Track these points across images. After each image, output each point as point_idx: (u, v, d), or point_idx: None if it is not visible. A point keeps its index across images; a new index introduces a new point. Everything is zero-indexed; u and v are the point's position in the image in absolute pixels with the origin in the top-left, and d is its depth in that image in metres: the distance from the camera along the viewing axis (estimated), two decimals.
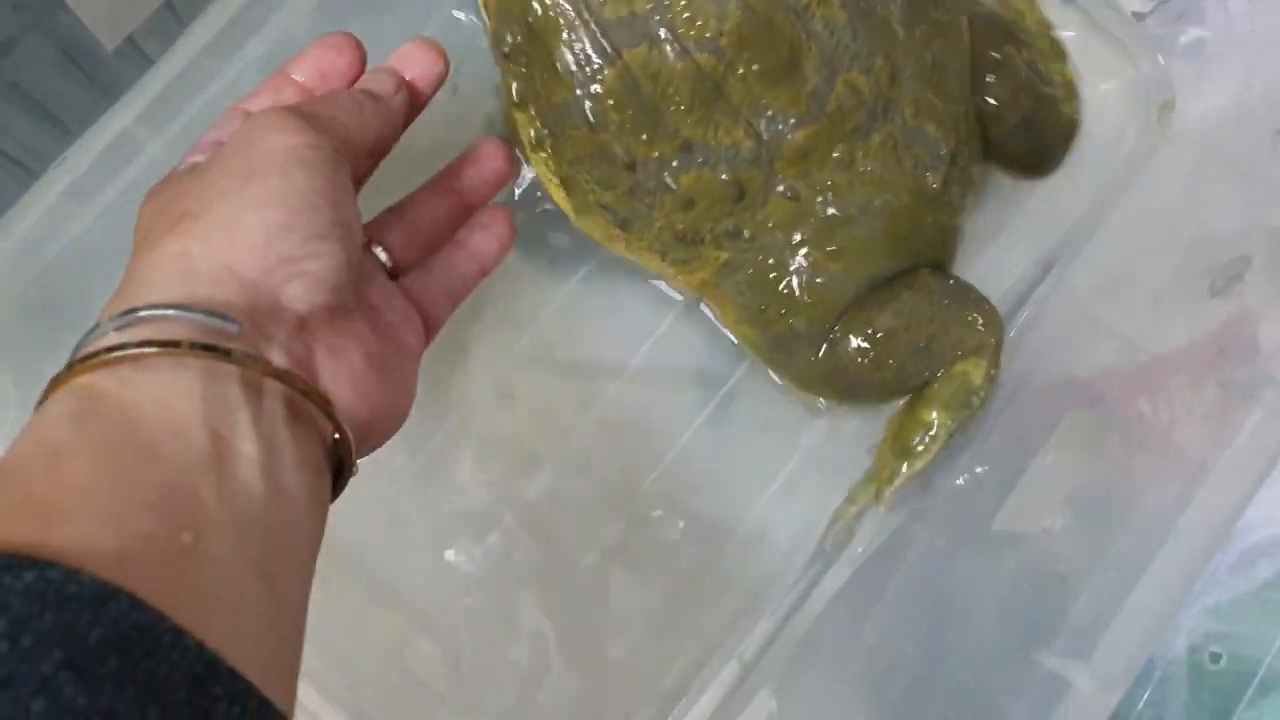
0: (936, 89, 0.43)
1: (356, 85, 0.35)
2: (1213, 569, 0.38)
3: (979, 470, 0.43)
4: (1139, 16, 0.49)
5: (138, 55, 0.44)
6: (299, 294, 0.28)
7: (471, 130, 0.46)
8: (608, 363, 0.46)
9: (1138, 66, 0.48)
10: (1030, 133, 0.47)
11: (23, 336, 0.44)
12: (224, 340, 0.26)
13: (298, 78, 0.35)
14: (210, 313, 0.26)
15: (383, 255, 0.36)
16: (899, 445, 0.44)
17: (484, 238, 0.39)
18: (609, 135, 0.39)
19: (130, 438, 0.24)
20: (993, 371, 0.43)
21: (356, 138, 0.32)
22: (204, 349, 0.25)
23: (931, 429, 0.43)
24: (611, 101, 0.38)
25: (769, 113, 0.40)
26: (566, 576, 0.44)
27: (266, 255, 0.28)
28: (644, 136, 0.39)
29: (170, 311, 0.26)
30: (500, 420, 0.45)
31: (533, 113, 0.40)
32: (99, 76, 0.44)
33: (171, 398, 0.25)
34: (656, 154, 0.39)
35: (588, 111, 0.39)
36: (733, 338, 0.45)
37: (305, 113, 0.31)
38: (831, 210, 0.42)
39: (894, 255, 0.44)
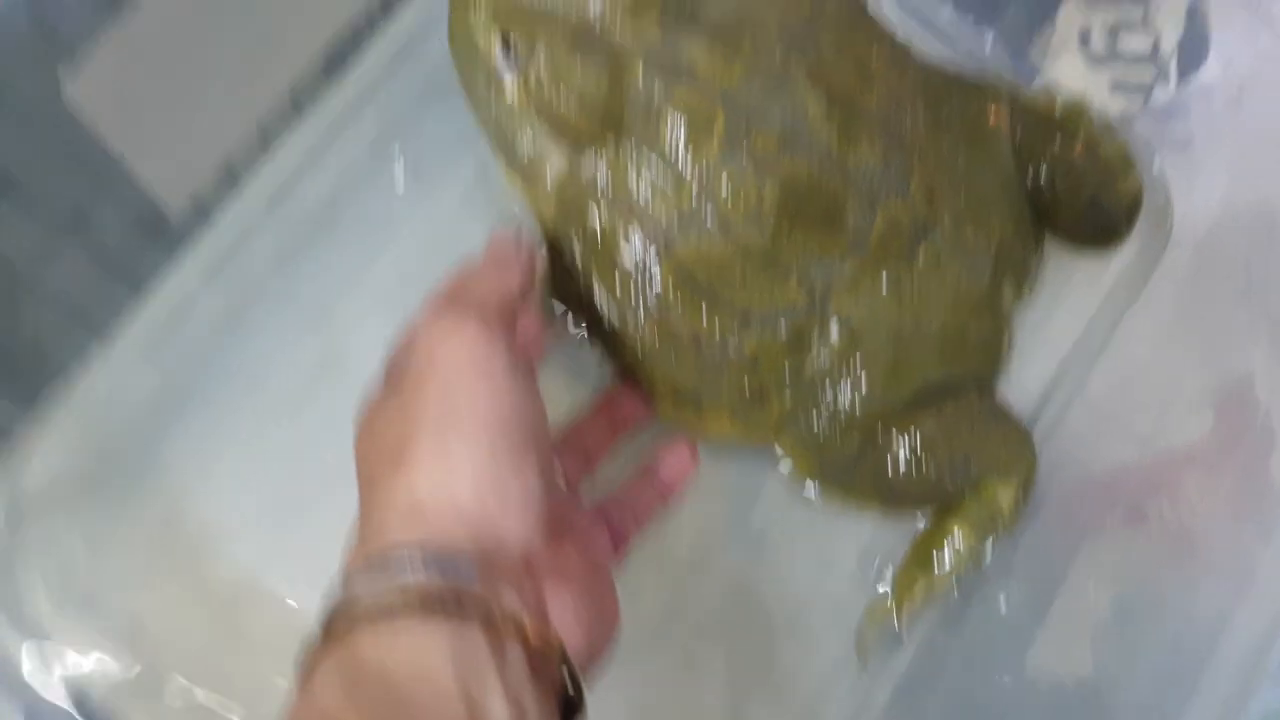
0: (972, 195, 0.45)
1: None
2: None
3: (1007, 593, 0.45)
4: (1128, 119, 0.52)
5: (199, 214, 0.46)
6: (515, 521, 0.30)
7: None
8: None
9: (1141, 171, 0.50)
10: (1097, 210, 0.49)
11: (89, 491, 0.45)
12: (466, 585, 0.28)
13: None
14: (450, 562, 0.28)
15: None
16: (920, 557, 0.45)
17: (671, 469, 0.43)
18: (673, 321, 0.41)
19: (398, 709, 0.25)
20: (1021, 498, 0.45)
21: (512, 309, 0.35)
22: (455, 605, 0.27)
23: (956, 545, 0.45)
24: (673, 293, 0.41)
25: (816, 261, 0.42)
26: None
27: (478, 484, 0.30)
28: (705, 315, 0.41)
29: (412, 559, 0.28)
30: None
31: (590, 314, 0.42)
32: (164, 237, 0.45)
33: (427, 660, 0.26)
34: (719, 327, 0.41)
35: (650, 304, 0.41)
36: (786, 462, 0.46)
37: (474, 304, 0.34)
38: (884, 333, 0.44)
39: (945, 364, 0.45)
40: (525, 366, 0.33)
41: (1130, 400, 0.48)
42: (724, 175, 0.40)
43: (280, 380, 0.46)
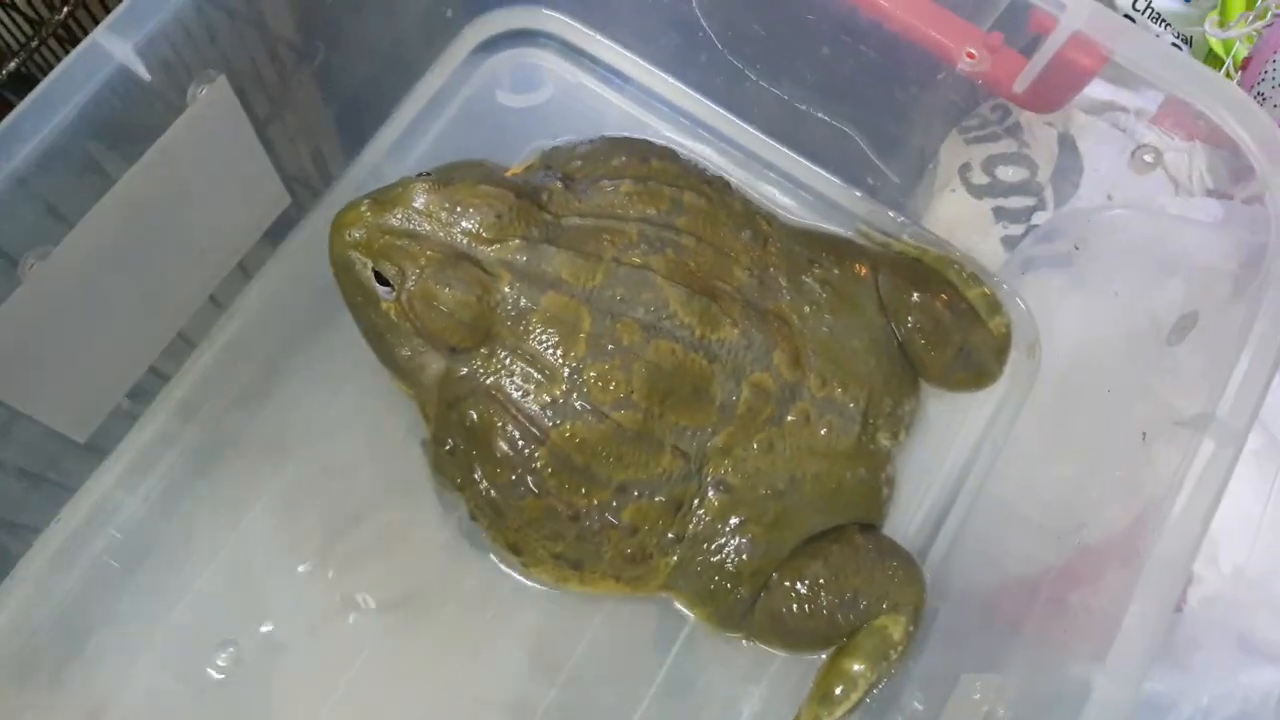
0: (838, 355, 0.48)
1: None
2: None
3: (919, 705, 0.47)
4: (1011, 241, 0.55)
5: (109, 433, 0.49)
6: None
7: None
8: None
9: (1008, 312, 0.54)
10: (967, 356, 0.52)
11: (16, 696, 0.46)
12: None
13: None
14: None
15: None
16: (821, 693, 0.47)
17: None
18: (551, 498, 0.43)
19: None
20: (911, 628, 0.47)
21: None
22: None
23: (852, 679, 0.47)
24: (550, 472, 0.43)
25: (688, 432, 0.45)
26: None
27: None
28: (583, 492, 0.44)
29: None
30: None
31: (473, 494, 0.45)
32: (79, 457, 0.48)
33: None
34: (597, 501, 0.44)
35: (530, 485, 0.43)
36: (688, 614, 0.48)
37: None
38: (762, 490, 0.46)
39: (825, 513, 0.48)
40: None
41: (1030, 506, 0.50)
42: (592, 367, 0.43)
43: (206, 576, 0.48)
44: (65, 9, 0.44)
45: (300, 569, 0.48)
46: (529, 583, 0.48)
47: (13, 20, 0.47)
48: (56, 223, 0.38)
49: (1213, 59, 0.64)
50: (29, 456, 0.46)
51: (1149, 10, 0.70)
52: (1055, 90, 0.43)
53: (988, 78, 0.42)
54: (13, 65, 0.42)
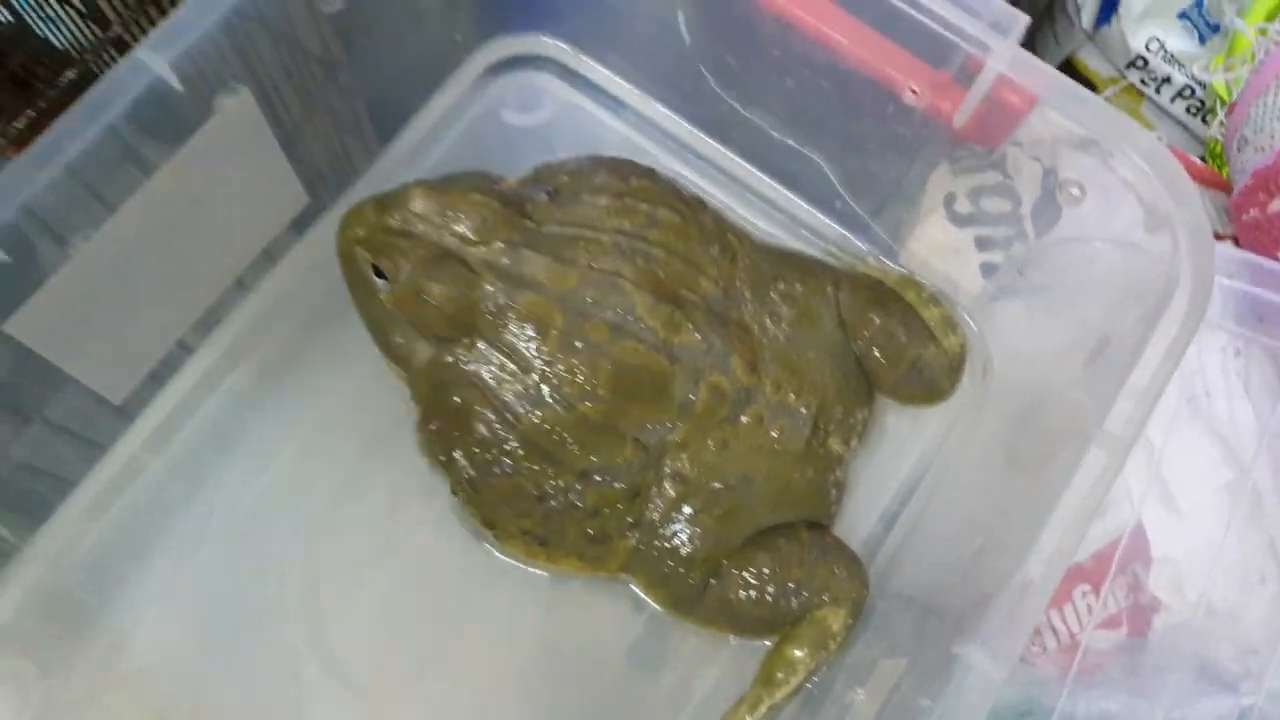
0: (794, 364, 0.52)
1: None
2: None
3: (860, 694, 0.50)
4: (989, 269, 0.58)
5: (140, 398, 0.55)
6: None
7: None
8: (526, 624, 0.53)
9: (967, 332, 0.58)
10: (917, 372, 0.56)
11: (46, 628, 0.52)
12: None
13: None
14: None
15: None
16: (765, 676, 0.51)
17: None
18: (521, 478, 0.48)
19: None
20: (850, 621, 0.51)
21: None
22: None
23: (793, 665, 0.50)
24: (521, 454, 0.48)
25: (649, 427, 0.49)
26: None
27: None
28: (550, 474, 0.48)
29: None
30: None
31: (453, 470, 0.50)
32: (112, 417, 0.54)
33: None
34: (562, 483, 0.49)
35: (504, 465, 0.48)
36: (644, 597, 0.53)
37: None
38: (715, 484, 0.51)
39: (774, 510, 0.52)
40: None
41: (972, 512, 0.53)
42: (562, 361, 0.47)
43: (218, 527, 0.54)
44: (113, 30, 0.50)
45: (302, 531, 0.53)
46: (506, 559, 0.53)
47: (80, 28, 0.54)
48: (100, 209, 0.44)
49: (1221, 104, 0.67)
50: (71, 416, 0.52)
51: (1161, 51, 0.73)
52: (994, 127, 0.46)
53: (930, 111, 0.46)
54: (73, 73, 0.48)
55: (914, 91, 0.46)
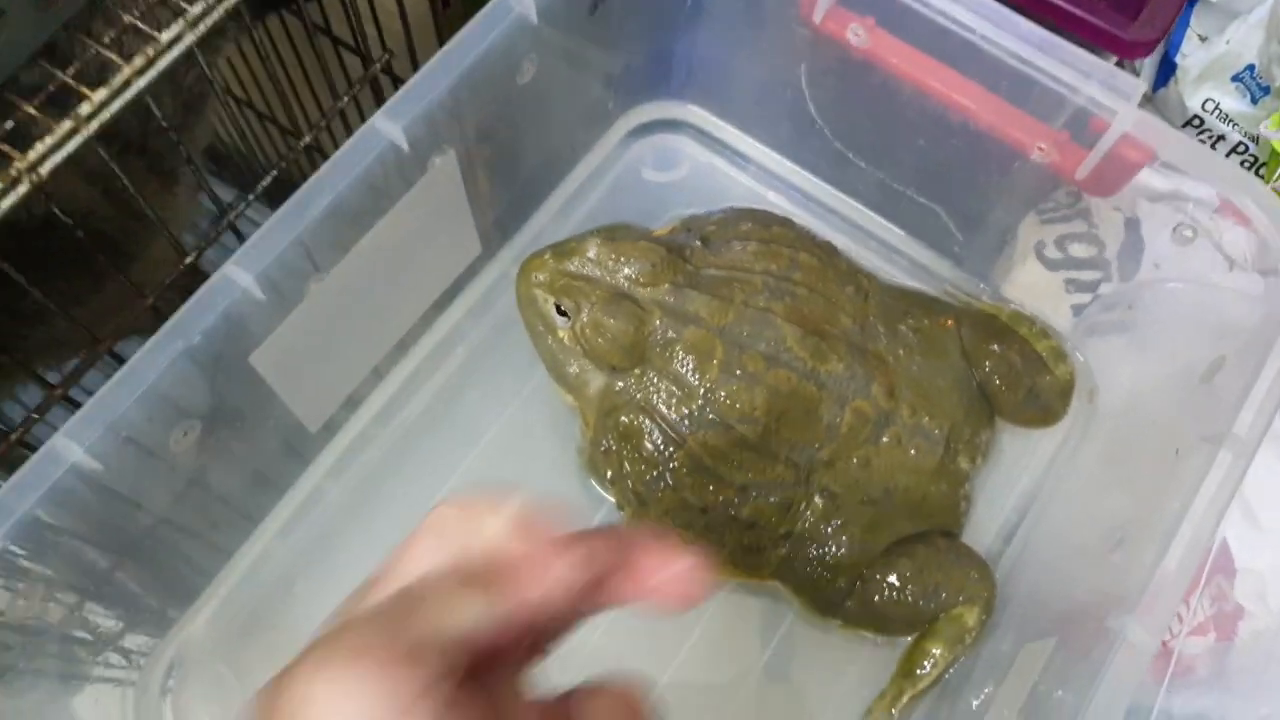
0: (926, 390, 0.58)
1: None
2: None
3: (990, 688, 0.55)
4: (1079, 308, 0.64)
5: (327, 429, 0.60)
6: None
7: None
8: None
9: (1072, 362, 0.63)
10: (1034, 398, 0.62)
11: (242, 642, 0.57)
12: None
13: None
14: None
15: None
16: (905, 670, 0.56)
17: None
18: (685, 492, 0.54)
19: None
20: (984, 617, 0.55)
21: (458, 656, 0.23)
22: None
23: (932, 658, 0.55)
24: (685, 471, 0.53)
25: (799, 447, 0.54)
26: None
27: None
28: (711, 489, 0.54)
29: None
30: None
31: (620, 487, 0.55)
32: (304, 448, 0.60)
33: None
34: (722, 498, 0.54)
35: (669, 480, 0.54)
36: (791, 600, 0.58)
37: (374, 648, 0.22)
38: (860, 498, 0.56)
39: (912, 520, 0.57)
40: None
41: (1085, 523, 0.58)
42: (723, 388, 0.53)
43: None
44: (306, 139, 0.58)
45: None
46: None
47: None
48: (336, 254, 0.50)
49: (1276, 158, 0.73)
50: (279, 437, 0.57)
51: (1216, 111, 0.79)
52: (1111, 178, 0.52)
53: (1055, 166, 0.53)
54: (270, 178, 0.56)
55: (1042, 150, 0.52)
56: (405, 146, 0.49)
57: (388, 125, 0.48)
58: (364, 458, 0.61)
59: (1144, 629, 0.41)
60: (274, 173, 0.55)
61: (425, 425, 0.62)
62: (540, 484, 0.60)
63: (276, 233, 0.46)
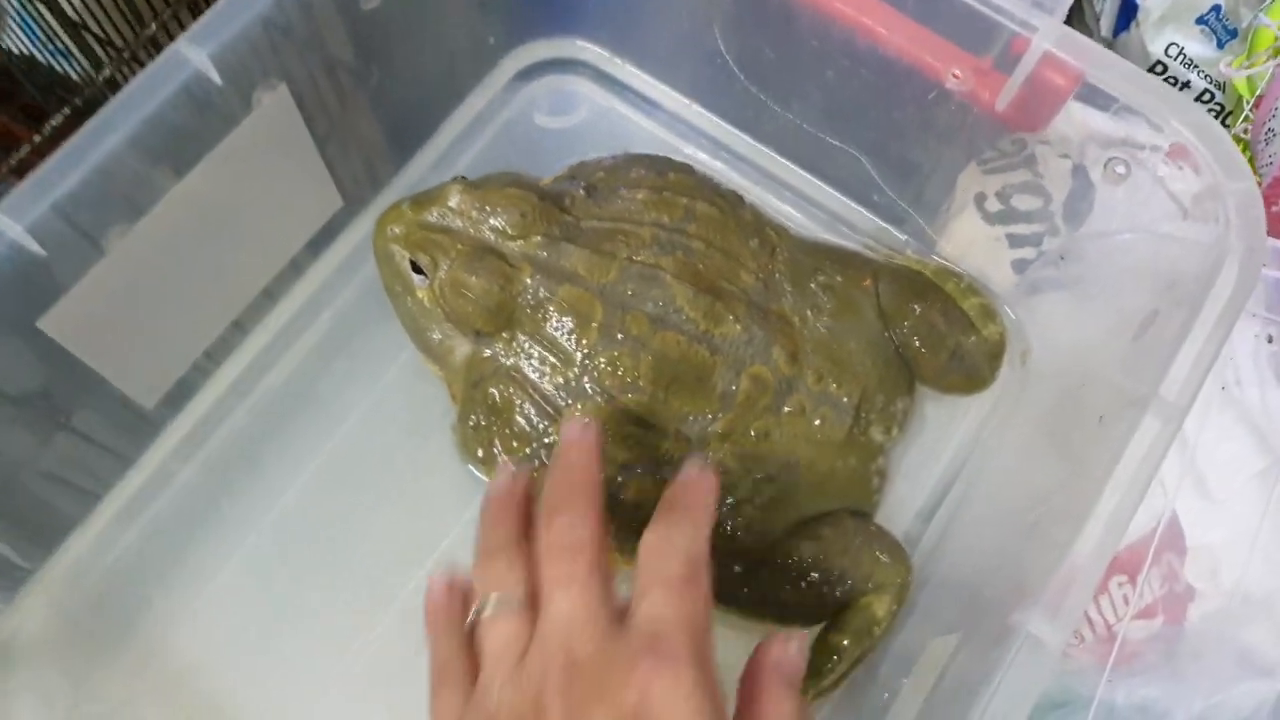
0: (835, 354, 0.52)
1: None
2: None
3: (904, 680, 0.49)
4: (1022, 264, 0.57)
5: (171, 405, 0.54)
6: None
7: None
8: None
9: (1005, 321, 0.57)
10: (958, 361, 0.55)
11: (75, 639, 0.51)
12: None
13: None
14: None
15: None
16: (811, 666, 0.49)
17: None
18: None
19: None
20: (894, 607, 0.49)
21: None
22: None
23: (837, 653, 0.49)
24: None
25: (690, 418, 0.48)
26: None
27: None
28: None
29: None
30: None
31: (492, 467, 0.49)
32: (141, 425, 0.53)
33: None
34: (603, 476, 0.48)
35: (544, 458, 0.48)
36: None
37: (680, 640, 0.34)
38: (757, 474, 0.50)
39: (818, 499, 0.51)
40: None
41: (1013, 498, 0.52)
42: (603, 353, 0.47)
43: (252, 539, 0.53)
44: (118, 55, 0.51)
45: (332, 541, 0.52)
46: None
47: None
48: (137, 205, 0.43)
49: (1240, 101, 0.67)
50: (101, 423, 0.51)
51: (1181, 56, 0.74)
52: (1035, 109, 0.46)
53: (973, 96, 0.46)
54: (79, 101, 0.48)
55: (956, 76, 0.45)
56: (216, 78, 0.42)
57: (193, 51, 0.42)
58: (217, 436, 0.55)
59: (1049, 623, 0.35)
60: (66, 110, 0.48)
61: (287, 400, 0.55)
62: (418, 465, 0.54)
63: (55, 175, 0.40)
